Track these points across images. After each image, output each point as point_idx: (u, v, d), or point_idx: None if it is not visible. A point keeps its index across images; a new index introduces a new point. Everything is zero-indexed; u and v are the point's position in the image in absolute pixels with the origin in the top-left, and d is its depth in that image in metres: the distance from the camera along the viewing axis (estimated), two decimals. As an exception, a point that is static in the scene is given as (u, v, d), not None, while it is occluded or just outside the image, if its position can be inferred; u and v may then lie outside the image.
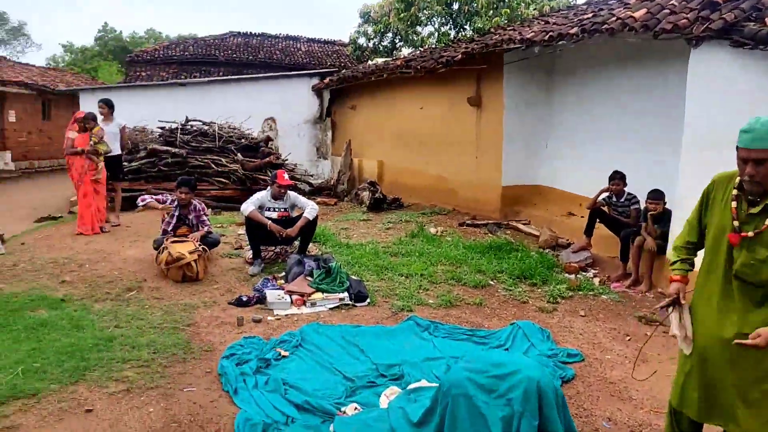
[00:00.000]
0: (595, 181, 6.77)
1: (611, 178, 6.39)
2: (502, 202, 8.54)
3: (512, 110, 8.44)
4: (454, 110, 9.44)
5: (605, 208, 6.56)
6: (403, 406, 3.19)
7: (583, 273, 6.29)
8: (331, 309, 5.15)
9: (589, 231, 6.59)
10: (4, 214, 9.42)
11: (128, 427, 3.17)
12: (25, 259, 6.27)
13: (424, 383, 3.64)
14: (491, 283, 5.89)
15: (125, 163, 9.49)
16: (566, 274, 6.18)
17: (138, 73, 20.06)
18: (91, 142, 7.52)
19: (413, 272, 6.04)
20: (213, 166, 10.34)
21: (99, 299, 5.15)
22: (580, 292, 5.65)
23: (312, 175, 12.96)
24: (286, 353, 4.18)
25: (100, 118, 8.24)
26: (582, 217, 7.34)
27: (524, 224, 7.95)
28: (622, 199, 6.39)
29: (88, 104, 11.22)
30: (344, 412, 3.33)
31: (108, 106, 8.32)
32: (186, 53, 20.81)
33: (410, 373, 3.86)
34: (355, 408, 3.36)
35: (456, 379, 2.64)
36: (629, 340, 4.61)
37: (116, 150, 8.32)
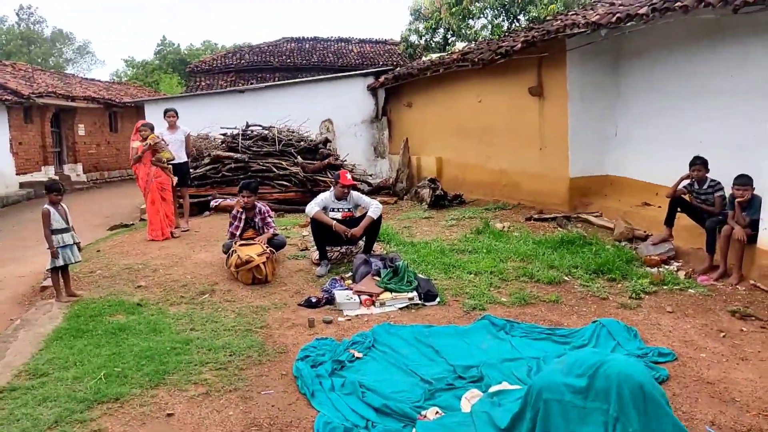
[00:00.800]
0: (672, 168, 6.38)
1: (692, 164, 6.00)
2: (570, 195, 8.20)
3: (577, 98, 8.09)
4: (514, 101, 9.16)
5: (686, 197, 6.17)
6: (487, 411, 3.04)
7: (666, 266, 5.92)
8: (400, 309, 5.05)
9: (669, 221, 6.21)
10: (79, 223, 9.75)
11: None
12: (101, 265, 6.48)
13: (506, 385, 3.47)
14: (566, 279, 5.63)
15: (191, 170, 9.71)
16: (647, 268, 5.83)
17: (198, 83, 20.65)
18: (145, 144, 7.65)
19: (482, 269, 5.86)
20: (274, 169, 10.44)
21: (174, 303, 5.24)
22: (665, 287, 5.31)
23: (371, 175, 12.92)
24: (360, 355, 4.10)
25: (165, 126, 8.47)
26: (659, 206, 6.96)
27: (596, 216, 7.60)
28: (705, 186, 5.98)
29: (153, 115, 11.57)
30: (425, 416, 3.21)
31: (176, 115, 8.53)
32: (242, 61, 21.28)
33: (490, 375, 3.70)
34: (437, 412, 3.24)
35: (547, 382, 2.47)
36: (724, 336, 4.28)
37: (183, 157, 8.52)
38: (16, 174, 15.72)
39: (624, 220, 7.02)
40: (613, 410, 2.46)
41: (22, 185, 15.44)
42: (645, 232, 6.79)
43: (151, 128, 7.95)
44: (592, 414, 2.47)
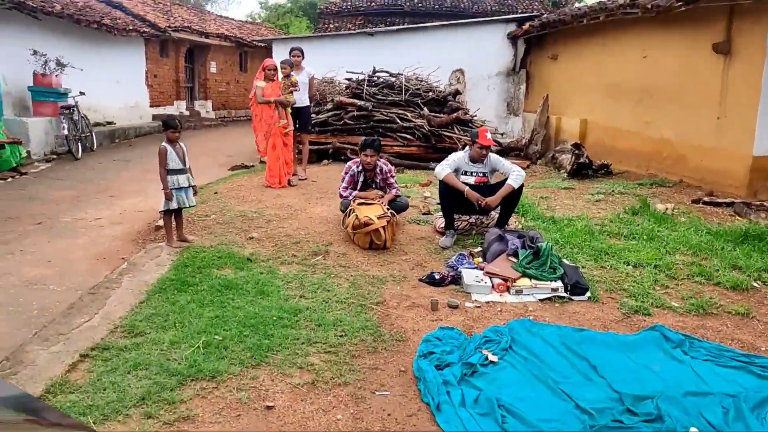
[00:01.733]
0: None
1: None
2: (751, 176, 6.72)
3: (777, 58, 6.51)
4: (690, 59, 7.65)
5: None
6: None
7: None
8: (541, 300, 4.21)
9: None
10: (205, 160, 9.83)
11: (313, 437, 2.58)
12: (216, 210, 6.18)
13: (697, 435, 2.57)
14: (755, 285, 4.45)
15: (312, 115, 9.25)
16: None
17: (326, 26, 20.27)
18: (285, 82, 7.25)
19: (643, 261, 4.81)
20: (398, 120, 9.73)
21: (285, 262, 4.76)
22: None
23: (501, 134, 11.83)
24: (495, 358, 3.34)
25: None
26: None
27: (788, 207, 6.16)
28: None
29: (281, 55, 11.23)
30: (589, 468, 2.41)
31: (302, 54, 8.00)
32: (372, 4, 20.53)
33: (671, 414, 2.79)
34: (606, 464, 2.42)
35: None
36: None
37: (305, 101, 8.02)
38: (150, 106, 16.29)
39: (830, 215, 5.57)
40: None
41: (154, 117, 15.98)
42: None
43: (291, 66, 7.51)
44: None
